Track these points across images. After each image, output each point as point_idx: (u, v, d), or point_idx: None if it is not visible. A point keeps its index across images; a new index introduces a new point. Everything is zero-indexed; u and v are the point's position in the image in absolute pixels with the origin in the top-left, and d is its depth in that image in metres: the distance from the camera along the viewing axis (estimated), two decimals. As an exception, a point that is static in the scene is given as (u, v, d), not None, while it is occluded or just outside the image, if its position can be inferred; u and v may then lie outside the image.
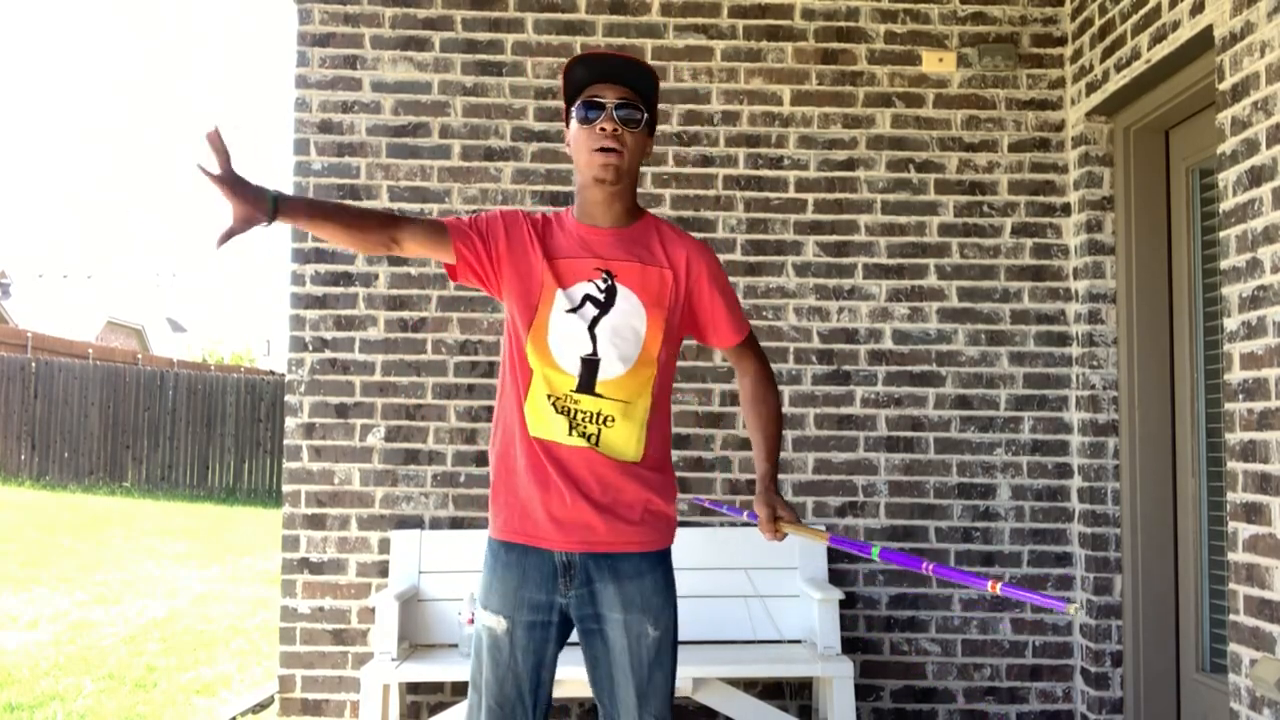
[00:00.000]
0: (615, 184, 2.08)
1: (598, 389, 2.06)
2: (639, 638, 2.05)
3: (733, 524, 4.03)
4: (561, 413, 2.06)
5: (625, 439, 2.08)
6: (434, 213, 4.10)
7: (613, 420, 2.07)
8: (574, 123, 2.10)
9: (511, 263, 2.11)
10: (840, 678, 3.53)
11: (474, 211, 4.10)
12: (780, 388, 4.05)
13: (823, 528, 2.12)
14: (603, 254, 2.10)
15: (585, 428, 2.06)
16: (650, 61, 4.14)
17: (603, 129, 2.04)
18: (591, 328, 2.07)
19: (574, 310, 2.07)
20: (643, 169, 4.10)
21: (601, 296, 2.08)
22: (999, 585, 1.76)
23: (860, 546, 2.05)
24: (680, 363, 4.07)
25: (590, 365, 2.06)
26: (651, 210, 4.11)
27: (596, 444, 2.06)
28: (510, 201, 4.11)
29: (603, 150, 2.05)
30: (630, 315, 2.08)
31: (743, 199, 4.12)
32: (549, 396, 2.07)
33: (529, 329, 2.09)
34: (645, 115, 2.10)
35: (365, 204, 4.10)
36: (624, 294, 2.09)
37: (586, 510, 2.05)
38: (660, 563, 2.12)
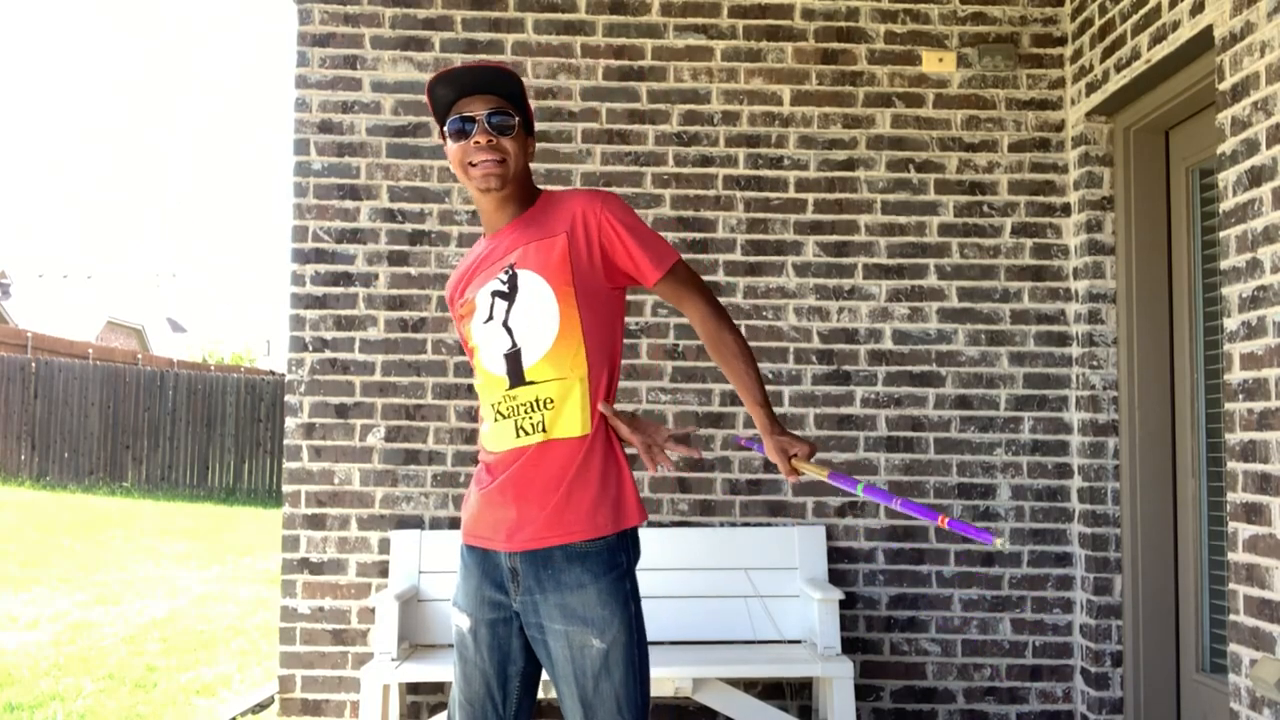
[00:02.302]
0: (502, 189, 2.09)
1: (527, 377, 2.05)
2: (582, 649, 2.00)
3: (733, 524, 4.04)
4: (506, 417, 2.07)
5: (571, 415, 2.05)
6: (434, 213, 4.11)
7: (552, 401, 2.04)
8: (449, 141, 2.10)
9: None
10: (840, 678, 3.53)
11: (473, 213, 4.11)
12: (780, 388, 4.06)
13: (827, 472, 2.07)
14: (504, 252, 2.11)
15: (530, 419, 2.05)
16: (650, 62, 4.15)
17: (477, 143, 2.05)
18: (506, 322, 2.08)
19: (489, 318, 2.09)
20: (643, 169, 4.11)
21: (505, 288, 2.09)
22: (946, 520, 1.87)
23: (849, 482, 2.05)
24: (680, 363, 4.07)
25: (513, 358, 2.07)
26: (651, 210, 4.13)
27: (544, 430, 2.04)
28: (510, 201, 4.11)
29: (479, 162, 2.06)
30: (536, 295, 2.06)
31: (743, 199, 4.12)
32: (491, 406, 2.10)
33: (471, 356, 2.18)
34: (518, 119, 2.08)
35: (367, 200, 4.11)
36: (525, 276, 2.07)
37: (529, 514, 2.04)
38: (606, 572, 2.03)
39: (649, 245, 2.09)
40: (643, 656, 2.06)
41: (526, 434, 2.05)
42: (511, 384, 2.06)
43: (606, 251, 2.08)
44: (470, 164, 2.07)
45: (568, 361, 2.05)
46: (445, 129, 2.11)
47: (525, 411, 2.05)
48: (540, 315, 2.05)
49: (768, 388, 4.04)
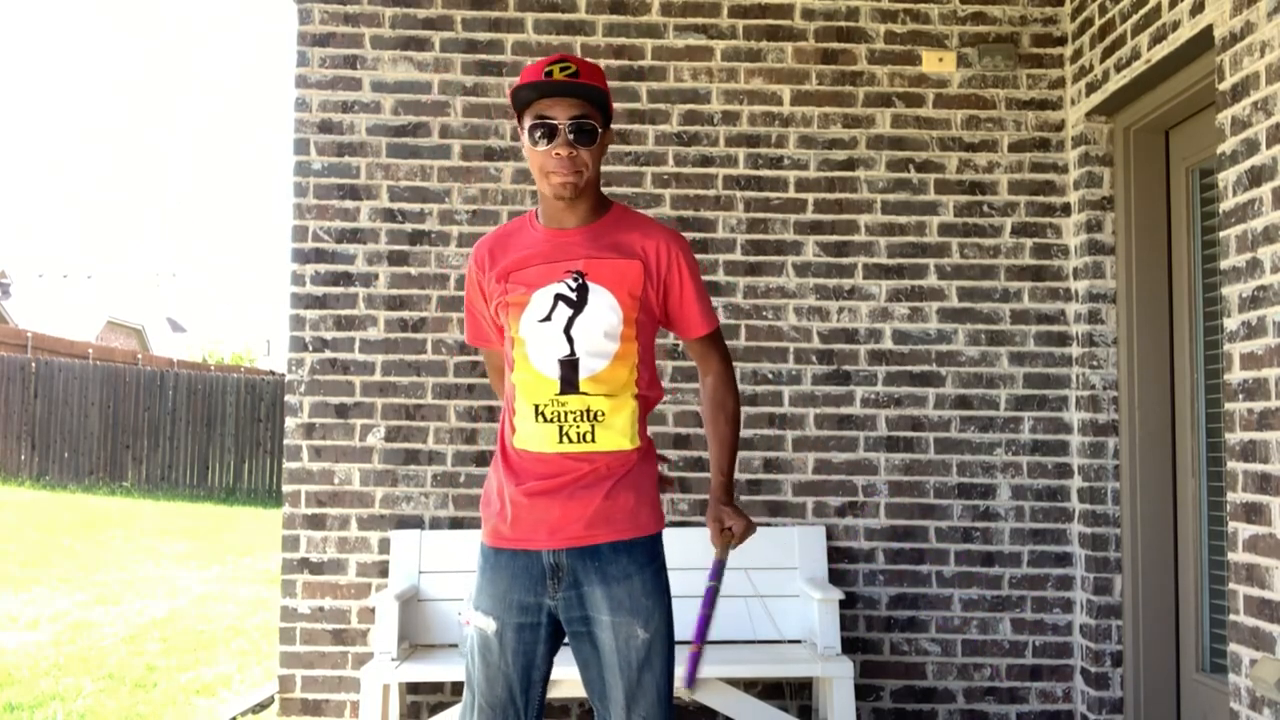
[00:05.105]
0: (576, 197, 2.10)
1: (582, 387, 2.07)
2: (628, 639, 2.05)
3: (733, 524, 4.03)
4: (550, 420, 2.07)
5: (620, 430, 2.09)
6: (434, 213, 4.11)
7: (603, 415, 2.07)
8: (526, 139, 2.09)
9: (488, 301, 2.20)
10: (840, 678, 3.53)
11: (474, 212, 4.11)
12: (780, 388, 4.06)
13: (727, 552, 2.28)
14: (572, 254, 2.10)
15: (578, 427, 2.06)
16: (650, 62, 4.14)
17: (558, 154, 2.04)
18: (567, 329, 2.07)
19: (546, 318, 2.08)
20: (643, 169, 4.11)
21: (574, 296, 2.08)
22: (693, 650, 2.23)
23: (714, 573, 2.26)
24: (680, 363, 4.07)
25: (569, 366, 2.07)
26: (651, 210, 4.13)
27: (593, 441, 2.06)
28: (510, 201, 4.11)
29: (558, 173, 2.06)
30: (604, 311, 2.08)
31: (743, 199, 4.12)
32: (535, 407, 2.08)
33: (512, 346, 2.13)
34: (599, 128, 2.09)
35: (367, 200, 4.11)
36: (596, 290, 2.08)
37: (574, 513, 2.06)
38: (649, 563, 2.11)
39: (704, 302, 2.19)
40: (674, 650, 2.13)
41: (572, 441, 2.07)
42: (563, 390, 2.07)
43: (666, 292, 2.15)
44: (548, 171, 2.06)
45: (621, 380, 2.09)
46: (524, 126, 2.09)
47: (573, 420, 2.07)
48: (604, 331, 2.07)
49: (767, 388, 4.05)
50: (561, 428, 2.06)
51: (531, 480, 2.08)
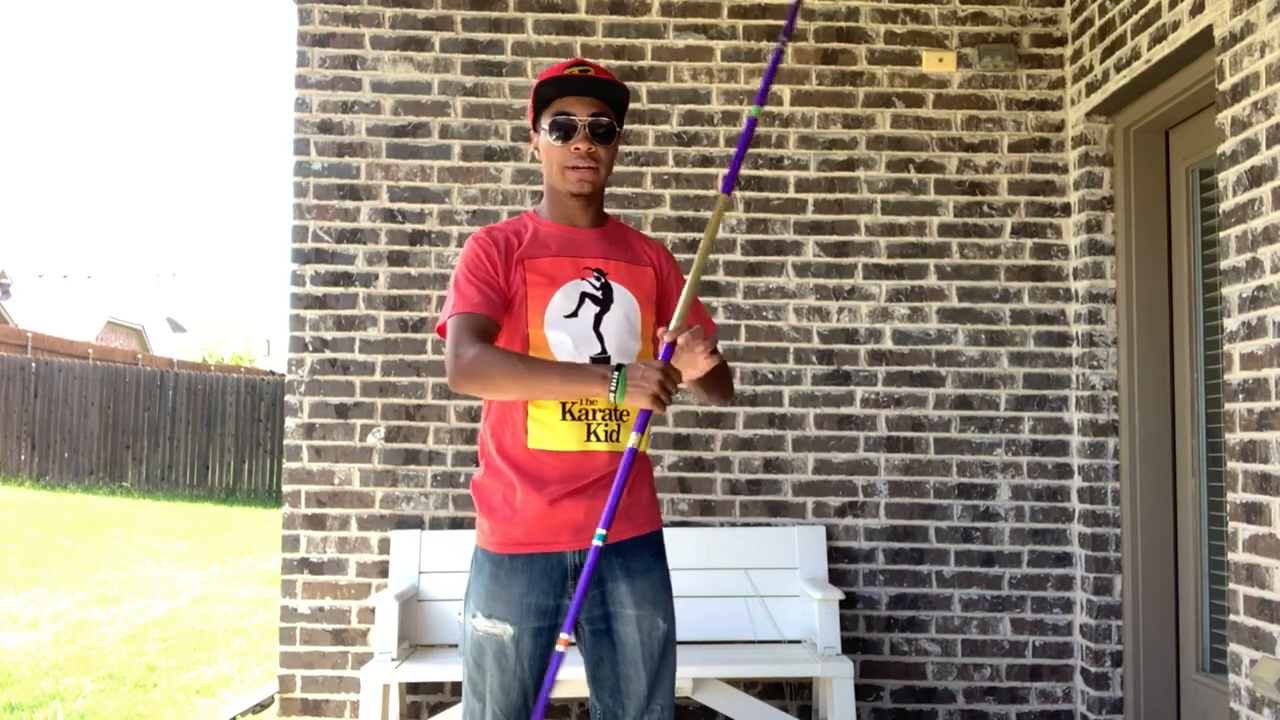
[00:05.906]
0: (592, 194, 2.15)
1: None
2: (650, 632, 2.09)
3: (733, 523, 4.03)
4: (579, 418, 2.06)
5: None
6: (434, 213, 4.11)
7: (628, 414, 2.10)
8: (544, 135, 2.12)
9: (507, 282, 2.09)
10: (840, 678, 3.53)
11: (474, 212, 4.11)
12: (780, 388, 4.06)
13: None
14: (590, 253, 2.14)
15: (606, 426, 2.07)
16: (650, 62, 4.14)
17: (577, 149, 2.07)
18: (596, 326, 2.09)
19: (573, 314, 2.08)
20: (643, 169, 4.11)
21: (599, 294, 2.11)
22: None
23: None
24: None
25: (601, 364, 2.06)
26: (651, 211, 4.14)
27: (617, 440, 2.08)
28: (510, 201, 4.11)
29: (577, 168, 2.09)
30: (629, 310, 2.12)
31: (743, 199, 4.12)
32: (563, 405, 2.05)
33: (525, 346, 2.07)
34: (616, 126, 2.14)
35: (367, 200, 4.11)
36: (619, 290, 2.13)
37: (599, 511, 2.04)
38: (662, 558, 2.18)
39: (701, 313, 2.24)
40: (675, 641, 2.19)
41: (600, 440, 2.07)
42: None
43: (662, 301, 2.20)
44: (567, 167, 2.09)
45: None
46: (541, 123, 2.12)
47: (601, 418, 2.07)
48: (629, 331, 2.12)
49: (767, 388, 4.05)
50: (589, 426, 2.06)
51: (554, 483, 2.05)
